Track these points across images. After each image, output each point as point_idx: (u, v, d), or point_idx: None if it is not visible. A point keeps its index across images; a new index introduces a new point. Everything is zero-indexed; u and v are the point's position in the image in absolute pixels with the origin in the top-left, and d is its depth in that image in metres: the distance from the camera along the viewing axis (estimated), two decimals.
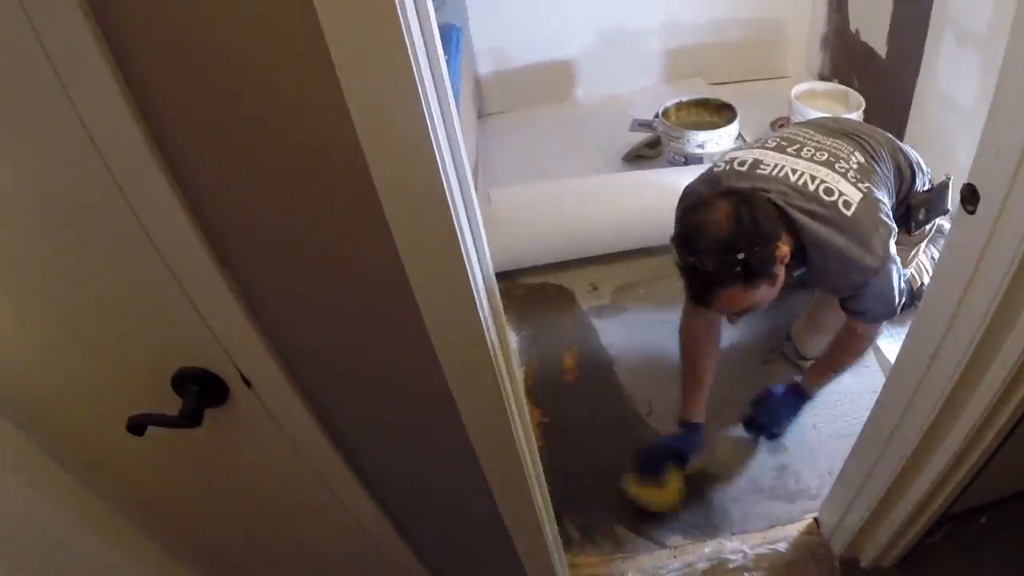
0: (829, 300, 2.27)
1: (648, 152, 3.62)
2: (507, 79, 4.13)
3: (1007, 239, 1.11)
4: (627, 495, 2.16)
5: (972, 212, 1.16)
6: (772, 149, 2.03)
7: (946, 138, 2.97)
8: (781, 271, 1.83)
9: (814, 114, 3.24)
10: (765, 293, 1.84)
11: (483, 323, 1.04)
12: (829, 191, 1.87)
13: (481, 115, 4.18)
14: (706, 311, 2.06)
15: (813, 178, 1.90)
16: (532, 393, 2.53)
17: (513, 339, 2.72)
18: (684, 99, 3.62)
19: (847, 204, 1.85)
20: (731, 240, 1.74)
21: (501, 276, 2.87)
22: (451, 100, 0.95)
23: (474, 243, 1.09)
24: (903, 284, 1.96)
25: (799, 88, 3.49)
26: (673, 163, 3.42)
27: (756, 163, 1.98)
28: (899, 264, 1.93)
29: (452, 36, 3.31)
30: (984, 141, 1.11)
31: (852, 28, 3.83)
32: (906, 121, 3.26)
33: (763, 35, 4.31)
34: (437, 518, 1.49)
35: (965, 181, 1.17)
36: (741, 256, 1.72)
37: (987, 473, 1.60)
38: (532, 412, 2.48)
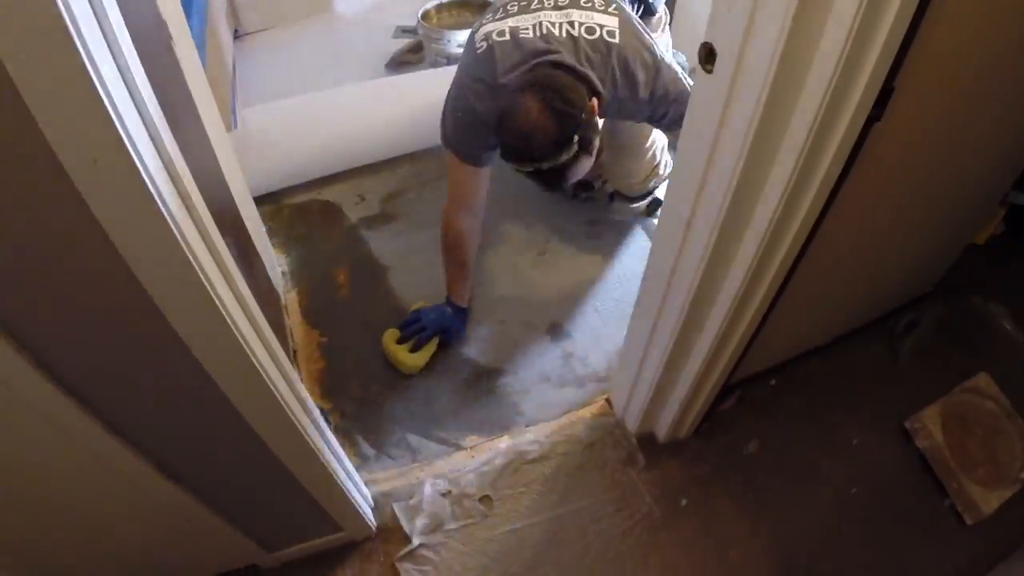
0: (618, 126, 2.40)
1: (411, 58, 3.51)
2: None
3: (746, 95, 1.10)
4: (382, 346, 2.28)
5: (711, 71, 1.14)
6: (519, 12, 2.03)
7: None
8: (593, 121, 1.92)
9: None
10: (597, 143, 1.98)
11: (193, 263, 0.92)
12: (591, 30, 1.94)
13: (238, 35, 3.90)
14: (470, 210, 2.24)
15: (572, 24, 1.95)
16: (308, 314, 2.43)
17: (283, 261, 2.59)
18: (445, 1, 3.50)
19: (611, 34, 1.95)
20: (560, 135, 1.84)
21: (264, 199, 2.75)
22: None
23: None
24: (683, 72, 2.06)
25: None
26: (437, 65, 3.32)
27: (515, 31, 1.98)
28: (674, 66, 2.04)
29: None
30: None
31: None
32: None
33: None
34: (219, 471, 1.41)
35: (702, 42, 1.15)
36: (575, 142, 1.86)
37: (766, 337, 1.66)
38: (310, 333, 2.39)
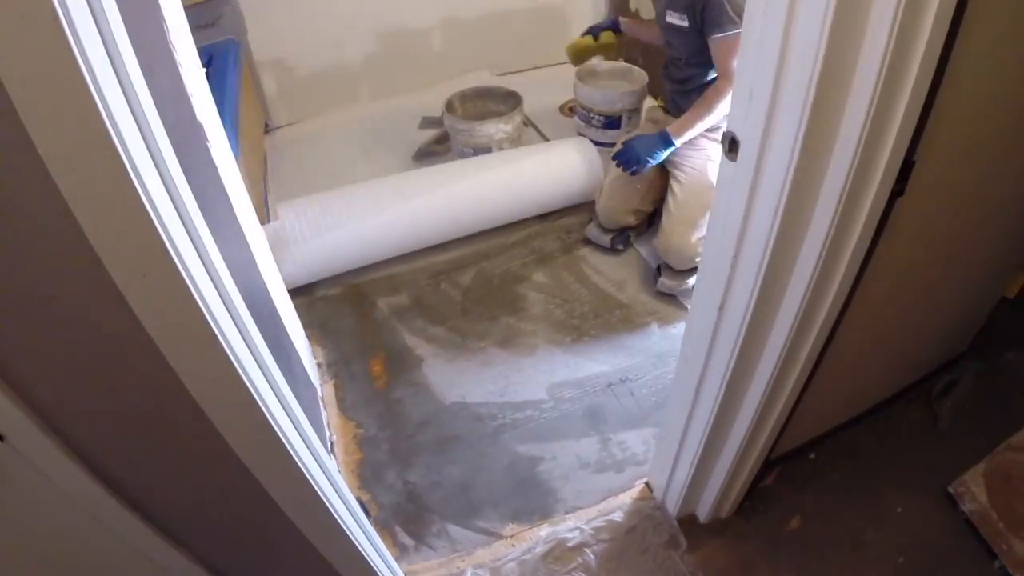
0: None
1: (438, 148, 3.59)
2: (292, 90, 3.99)
3: (770, 182, 1.12)
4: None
5: (735, 160, 1.17)
6: None
7: None
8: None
9: (599, 95, 3.32)
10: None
11: (233, 362, 0.94)
12: None
13: (268, 129, 4.02)
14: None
15: None
16: (344, 406, 2.43)
17: (318, 353, 2.62)
18: (468, 90, 3.59)
19: None
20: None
21: (298, 291, 2.79)
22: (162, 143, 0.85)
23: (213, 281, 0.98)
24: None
25: (583, 68, 3.54)
26: (463, 156, 3.38)
27: None
28: None
29: (230, 51, 3.16)
30: (737, 85, 1.12)
31: (632, 7, 3.96)
32: None
33: (544, 23, 4.39)
34: (259, 565, 1.41)
35: (724, 129, 1.17)
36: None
37: (803, 411, 1.65)
38: (347, 425, 2.38)
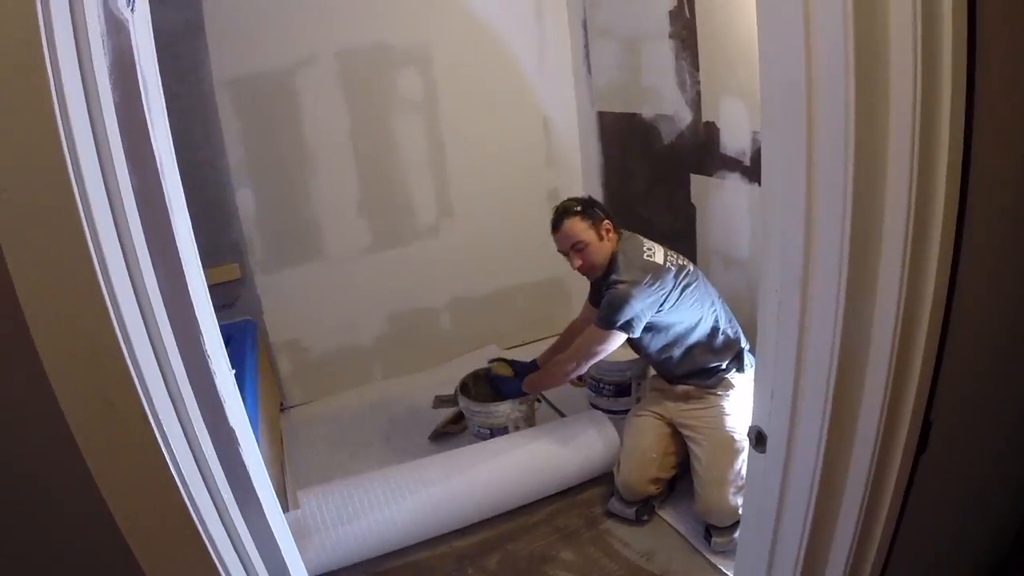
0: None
1: (453, 428, 3.62)
2: (307, 370, 4.10)
3: (801, 472, 1.15)
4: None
5: (763, 451, 1.20)
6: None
7: None
8: (606, 239, 2.86)
9: (608, 365, 3.45)
10: (591, 240, 2.83)
11: None
12: (651, 250, 2.85)
13: (283, 408, 4.08)
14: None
15: (650, 248, 2.86)
16: None
17: None
18: (479, 371, 3.67)
19: (651, 254, 2.81)
20: (578, 200, 2.96)
21: None
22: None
23: None
24: (630, 317, 2.71)
25: None
26: (479, 435, 3.43)
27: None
28: (640, 303, 2.70)
29: (247, 332, 3.28)
30: (758, 383, 1.17)
31: None
32: None
33: (545, 295, 4.60)
34: None
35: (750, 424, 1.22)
36: (579, 204, 2.90)
37: None
38: None
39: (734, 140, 3.16)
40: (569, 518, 2.99)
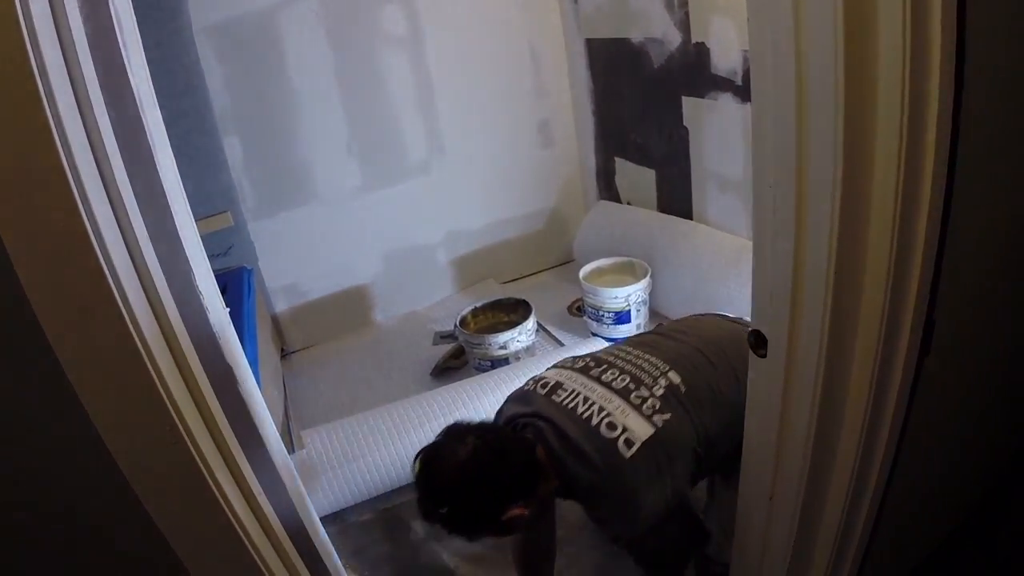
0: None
1: (454, 363, 3.64)
2: (305, 314, 4.10)
3: (804, 372, 1.14)
4: None
5: (764, 355, 1.19)
6: (578, 370, 1.94)
7: None
8: (517, 525, 1.71)
9: (605, 292, 3.40)
10: (494, 534, 1.75)
11: None
12: (612, 426, 1.71)
13: (285, 354, 4.10)
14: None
15: (601, 409, 1.76)
16: None
17: None
18: (479, 304, 3.71)
19: (628, 443, 1.67)
20: (442, 491, 1.66)
21: (329, 519, 2.74)
22: None
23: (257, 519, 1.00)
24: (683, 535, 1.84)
25: (586, 269, 3.67)
26: (480, 368, 3.45)
27: (556, 386, 1.90)
28: (686, 510, 1.82)
29: (244, 278, 3.26)
30: (756, 285, 1.16)
31: (624, 201, 4.14)
32: None
33: (541, 226, 4.58)
34: None
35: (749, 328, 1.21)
36: (444, 511, 1.64)
37: None
38: None
39: (725, 60, 3.11)
40: None
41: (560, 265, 4.66)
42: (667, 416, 1.71)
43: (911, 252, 1.02)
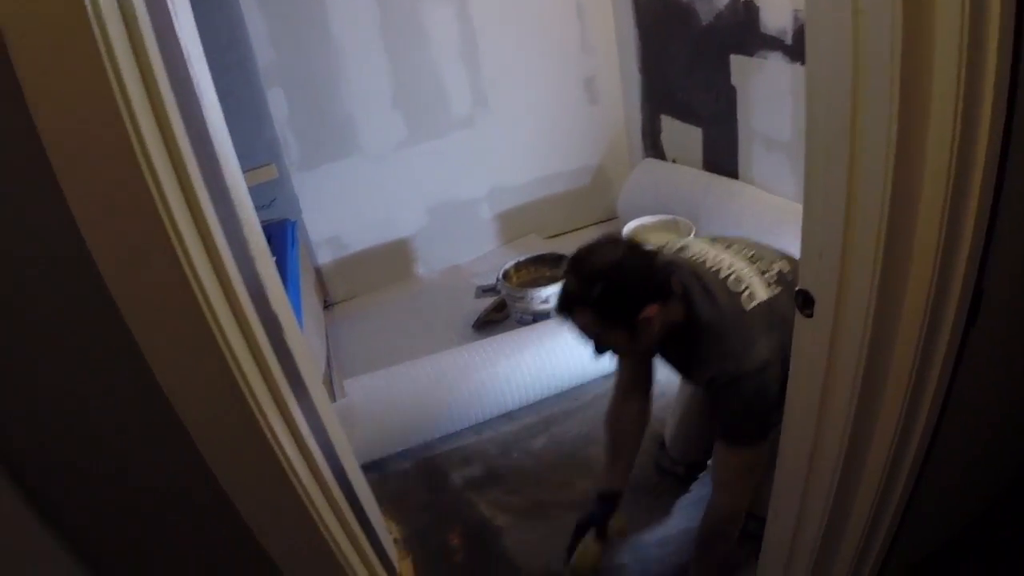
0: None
1: (496, 316, 3.66)
2: (348, 266, 4.15)
3: (850, 334, 1.14)
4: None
5: (810, 315, 1.19)
6: (704, 241, 2.10)
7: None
8: (647, 330, 1.82)
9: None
10: (622, 339, 1.86)
11: (328, 542, 0.98)
12: (738, 280, 1.87)
13: (327, 305, 4.15)
14: (633, 398, 2.21)
15: (729, 267, 1.92)
16: None
17: (393, 529, 2.59)
18: (521, 259, 3.73)
19: (751, 297, 1.83)
20: (598, 273, 1.78)
21: (369, 467, 2.79)
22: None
23: (303, 458, 1.02)
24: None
25: (630, 225, 3.66)
26: (522, 322, 3.47)
27: (683, 248, 2.06)
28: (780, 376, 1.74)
29: (288, 230, 3.30)
30: (805, 244, 1.15)
31: (669, 159, 4.10)
32: None
33: (586, 183, 4.56)
34: None
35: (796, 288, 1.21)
36: (597, 290, 1.76)
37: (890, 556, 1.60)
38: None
39: (775, 18, 3.05)
40: None
41: (603, 222, 4.65)
42: (779, 291, 1.86)
43: (963, 216, 1.01)
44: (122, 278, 0.76)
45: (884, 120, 0.95)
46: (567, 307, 1.86)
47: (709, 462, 2.50)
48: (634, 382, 2.23)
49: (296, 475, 0.90)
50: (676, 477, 2.59)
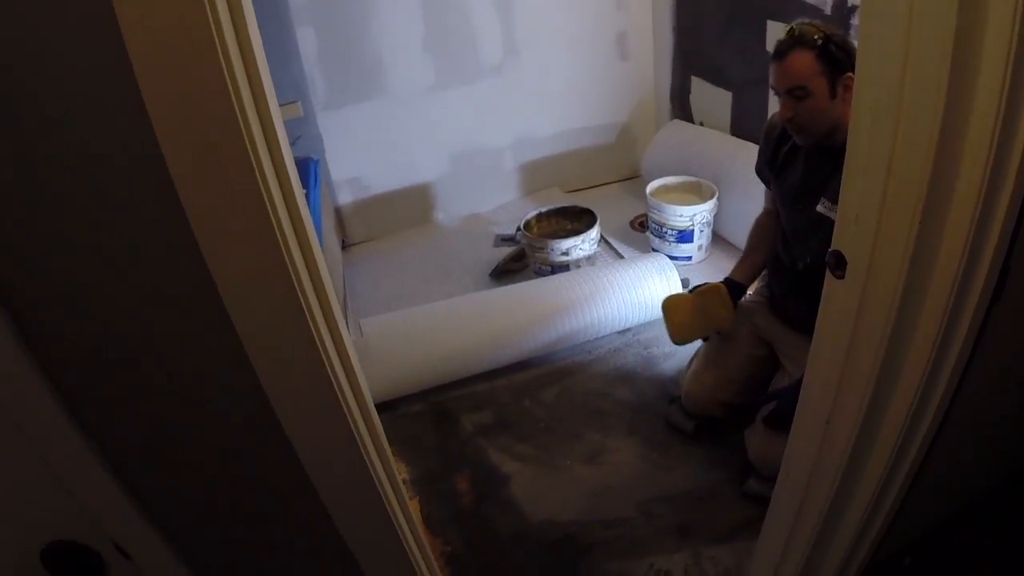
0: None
1: (514, 266, 3.68)
2: (368, 208, 4.16)
3: (879, 299, 1.15)
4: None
5: (842, 277, 1.20)
6: None
7: None
8: (843, 97, 1.99)
9: (671, 209, 3.39)
10: (823, 92, 1.99)
11: (369, 468, 1.00)
12: None
13: (345, 246, 4.17)
14: (773, 217, 2.44)
15: None
16: (429, 523, 2.43)
17: (402, 469, 2.64)
18: (544, 210, 3.72)
19: None
20: (823, 32, 1.97)
21: (381, 407, 2.81)
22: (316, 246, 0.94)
23: (351, 385, 1.05)
24: None
25: (653, 185, 3.65)
26: (540, 273, 3.48)
27: None
28: None
29: (311, 169, 3.31)
30: (843, 207, 1.16)
31: (697, 121, 4.08)
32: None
33: (611, 140, 4.55)
34: None
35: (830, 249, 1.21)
36: (821, 38, 1.95)
37: (903, 515, 1.62)
38: (433, 543, 2.38)
39: None
40: (627, 357, 3.05)
41: (626, 179, 4.65)
42: None
43: (999, 192, 1.01)
44: (191, 177, 0.77)
45: (932, 94, 0.95)
46: (786, 48, 2.00)
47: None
48: (775, 209, 2.43)
49: (347, 405, 0.93)
50: (684, 434, 2.63)
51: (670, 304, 2.54)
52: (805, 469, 1.53)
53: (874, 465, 1.43)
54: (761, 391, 2.47)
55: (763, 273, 2.58)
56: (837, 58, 1.96)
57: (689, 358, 2.73)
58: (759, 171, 2.45)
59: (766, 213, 2.53)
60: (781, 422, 2.11)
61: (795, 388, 2.09)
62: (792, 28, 2.01)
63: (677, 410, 2.67)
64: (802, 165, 2.20)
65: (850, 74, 1.94)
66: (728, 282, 2.50)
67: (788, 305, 2.39)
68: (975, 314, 1.16)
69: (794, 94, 2.01)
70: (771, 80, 2.07)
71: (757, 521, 1.92)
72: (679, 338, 2.54)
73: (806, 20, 2.03)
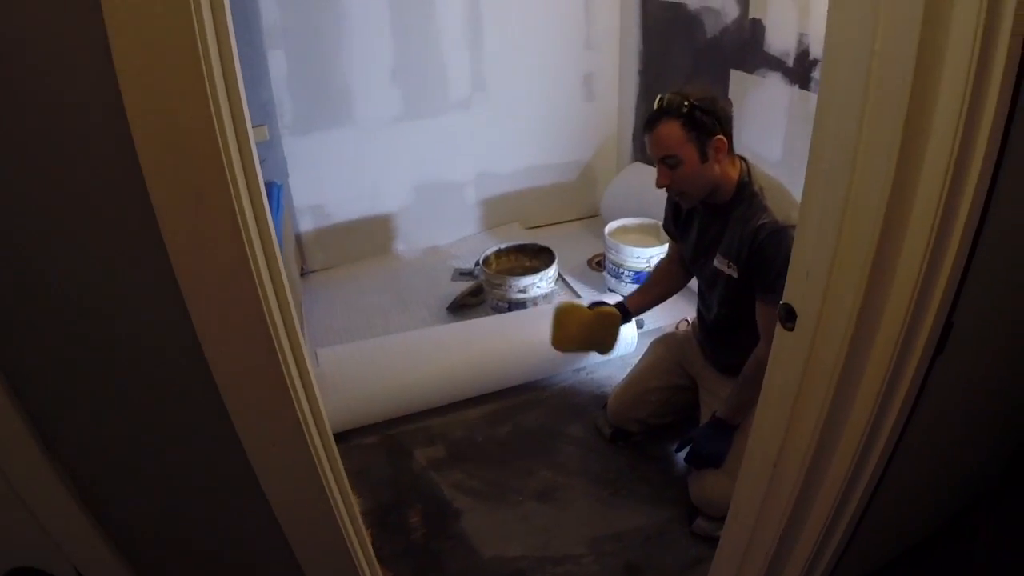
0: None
1: (471, 300, 3.69)
2: (328, 236, 4.15)
3: (827, 350, 1.19)
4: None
5: (791, 329, 1.24)
6: None
7: None
8: (715, 158, 2.10)
9: (629, 250, 3.44)
10: (693, 158, 2.09)
11: (328, 494, 1.01)
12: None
13: (304, 273, 4.15)
14: (676, 264, 2.64)
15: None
16: (380, 555, 2.42)
17: (356, 503, 2.62)
18: (503, 246, 3.75)
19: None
20: (689, 97, 2.06)
21: (335, 438, 2.79)
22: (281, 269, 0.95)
23: (314, 417, 1.06)
24: None
25: (612, 225, 3.70)
26: (497, 309, 3.51)
27: None
28: None
29: (274, 194, 3.31)
30: (795, 262, 1.20)
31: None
32: None
33: (572, 178, 4.61)
34: None
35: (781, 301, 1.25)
36: (687, 107, 2.05)
37: (844, 563, 1.65)
38: (385, 574, 2.37)
39: (779, 39, 3.10)
40: (580, 395, 3.08)
41: (586, 218, 4.71)
42: None
43: (944, 253, 1.06)
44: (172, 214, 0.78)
45: (884, 158, 1.00)
46: (655, 119, 2.11)
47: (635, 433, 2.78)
48: (679, 257, 2.60)
49: (308, 429, 0.94)
50: (603, 437, 2.85)
51: (565, 311, 2.68)
52: (753, 510, 1.56)
53: (820, 506, 1.47)
54: (677, 416, 2.74)
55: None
56: (704, 123, 2.07)
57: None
58: (666, 228, 2.62)
59: (668, 259, 2.74)
60: (697, 461, 2.34)
61: (707, 429, 2.33)
62: (661, 98, 2.12)
63: (603, 415, 2.86)
64: (697, 223, 2.38)
65: (720, 136, 2.08)
66: (620, 306, 2.68)
67: (706, 348, 2.57)
68: (919, 366, 1.21)
69: (666, 162, 2.13)
70: (647, 149, 2.20)
71: (705, 561, 1.94)
72: (561, 347, 2.70)
73: (677, 90, 2.12)
